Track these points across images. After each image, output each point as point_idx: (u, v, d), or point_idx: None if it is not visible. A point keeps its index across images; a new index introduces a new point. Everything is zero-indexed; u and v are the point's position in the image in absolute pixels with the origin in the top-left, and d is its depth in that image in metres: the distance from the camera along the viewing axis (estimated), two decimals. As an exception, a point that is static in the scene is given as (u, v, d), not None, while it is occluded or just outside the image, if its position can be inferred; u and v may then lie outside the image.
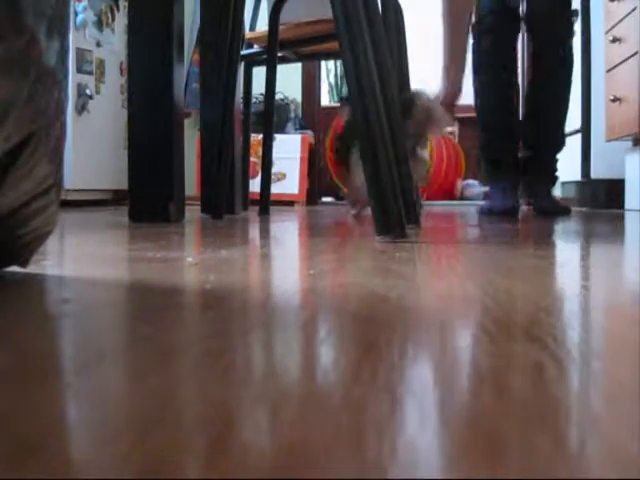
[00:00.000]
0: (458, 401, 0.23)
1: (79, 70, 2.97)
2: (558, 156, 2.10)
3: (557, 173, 2.13)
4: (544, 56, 2.00)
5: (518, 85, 2.06)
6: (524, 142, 2.07)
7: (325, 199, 4.22)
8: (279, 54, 2.26)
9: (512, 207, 1.98)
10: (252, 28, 2.54)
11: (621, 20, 2.63)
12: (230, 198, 2.06)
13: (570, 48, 2.01)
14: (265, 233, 1.26)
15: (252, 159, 3.10)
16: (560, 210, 2.03)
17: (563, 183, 3.62)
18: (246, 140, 2.43)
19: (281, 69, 2.37)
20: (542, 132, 2.05)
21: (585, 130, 3.08)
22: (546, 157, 2.07)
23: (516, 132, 2.05)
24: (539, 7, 1.94)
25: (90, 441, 0.19)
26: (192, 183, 3.31)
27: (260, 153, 2.66)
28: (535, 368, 0.27)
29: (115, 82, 3.31)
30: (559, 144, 2.09)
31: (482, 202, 2.50)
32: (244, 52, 2.31)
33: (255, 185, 2.93)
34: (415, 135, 1.55)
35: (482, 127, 2.09)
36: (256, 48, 2.38)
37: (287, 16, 2.15)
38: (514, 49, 2.03)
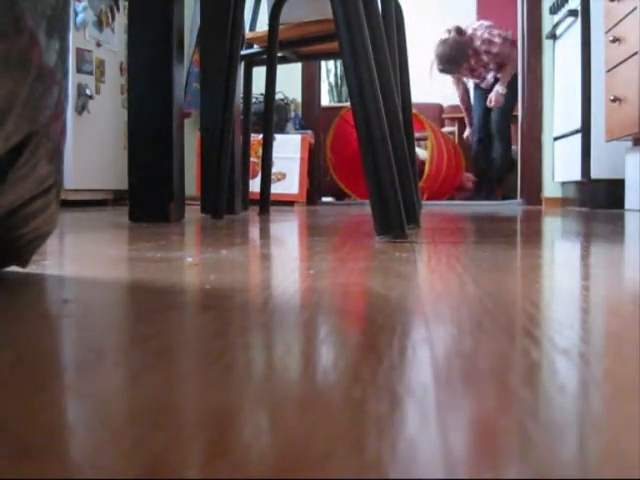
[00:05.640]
0: (458, 401, 0.23)
1: (79, 70, 2.97)
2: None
3: None
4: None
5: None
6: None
7: (325, 199, 4.22)
8: (279, 54, 2.26)
9: None
10: (252, 28, 2.54)
11: (621, 20, 2.63)
12: (230, 198, 2.06)
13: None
14: (265, 233, 1.26)
15: (252, 159, 3.09)
16: None
17: (563, 183, 3.62)
18: (246, 140, 2.43)
19: (281, 69, 2.37)
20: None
21: (585, 130, 3.08)
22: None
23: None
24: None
25: (90, 441, 0.19)
26: (192, 183, 3.31)
27: (260, 153, 2.65)
28: (534, 368, 0.27)
29: (115, 82, 3.32)
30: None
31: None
32: (244, 52, 2.31)
33: (255, 185, 2.94)
34: None
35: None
36: (256, 48, 2.37)
37: (287, 16, 2.15)
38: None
